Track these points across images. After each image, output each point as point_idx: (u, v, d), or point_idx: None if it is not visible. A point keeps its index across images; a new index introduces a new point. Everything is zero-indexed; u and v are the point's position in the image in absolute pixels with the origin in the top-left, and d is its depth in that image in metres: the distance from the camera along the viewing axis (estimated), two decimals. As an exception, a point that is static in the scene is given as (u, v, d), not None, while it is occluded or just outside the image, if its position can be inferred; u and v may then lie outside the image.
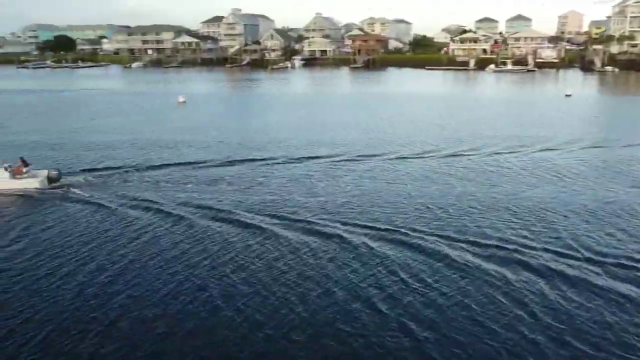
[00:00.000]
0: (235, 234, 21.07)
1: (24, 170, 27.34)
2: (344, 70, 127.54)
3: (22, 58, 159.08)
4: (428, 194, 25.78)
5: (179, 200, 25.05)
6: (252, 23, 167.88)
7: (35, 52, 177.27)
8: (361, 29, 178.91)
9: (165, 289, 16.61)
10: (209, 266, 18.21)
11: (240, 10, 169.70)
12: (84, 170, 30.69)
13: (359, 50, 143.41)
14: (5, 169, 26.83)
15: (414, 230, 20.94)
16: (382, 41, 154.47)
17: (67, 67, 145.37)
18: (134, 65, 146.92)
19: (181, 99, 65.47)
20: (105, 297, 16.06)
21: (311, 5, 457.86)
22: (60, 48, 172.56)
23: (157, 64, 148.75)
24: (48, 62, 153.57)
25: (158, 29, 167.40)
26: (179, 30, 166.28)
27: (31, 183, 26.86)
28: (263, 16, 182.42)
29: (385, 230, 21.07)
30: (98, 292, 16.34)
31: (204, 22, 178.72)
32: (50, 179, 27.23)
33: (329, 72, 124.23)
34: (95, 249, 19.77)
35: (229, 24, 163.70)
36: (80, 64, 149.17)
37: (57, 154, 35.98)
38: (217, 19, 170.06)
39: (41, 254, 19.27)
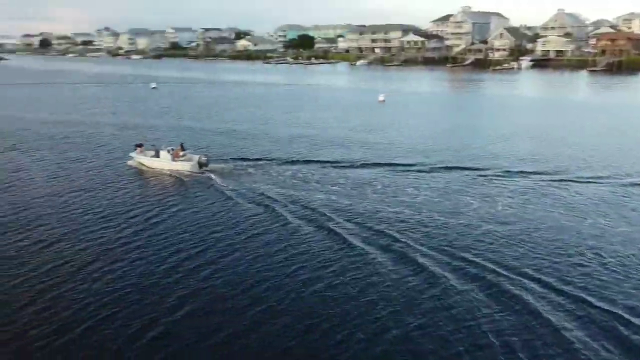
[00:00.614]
0: (359, 252, 18.75)
1: (181, 154, 30.77)
2: (580, 74, 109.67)
3: (268, 55, 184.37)
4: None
5: (316, 201, 24.11)
6: (483, 21, 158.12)
7: (281, 50, 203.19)
8: (614, 27, 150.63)
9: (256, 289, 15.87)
10: (312, 278, 16.81)
11: (470, 8, 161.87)
12: (236, 159, 33.00)
13: (603, 51, 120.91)
14: (168, 151, 30.63)
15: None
16: (636, 40, 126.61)
17: (302, 63, 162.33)
18: (359, 63, 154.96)
19: (381, 98, 65.38)
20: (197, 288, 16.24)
21: (556, 1, 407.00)
22: (301, 46, 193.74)
23: (380, 62, 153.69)
24: (288, 59, 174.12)
25: (388, 28, 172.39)
26: (407, 29, 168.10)
27: (184, 166, 30.12)
28: (497, 14, 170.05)
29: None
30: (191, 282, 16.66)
31: (433, 21, 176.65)
32: (200, 164, 30.00)
33: (559, 75, 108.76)
34: (210, 235, 20.42)
35: (457, 22, 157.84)
36: (314, 60, 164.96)
37: (237, 142, 39.37)
38: (448, 18, 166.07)
39: (166, 231, 21.00)
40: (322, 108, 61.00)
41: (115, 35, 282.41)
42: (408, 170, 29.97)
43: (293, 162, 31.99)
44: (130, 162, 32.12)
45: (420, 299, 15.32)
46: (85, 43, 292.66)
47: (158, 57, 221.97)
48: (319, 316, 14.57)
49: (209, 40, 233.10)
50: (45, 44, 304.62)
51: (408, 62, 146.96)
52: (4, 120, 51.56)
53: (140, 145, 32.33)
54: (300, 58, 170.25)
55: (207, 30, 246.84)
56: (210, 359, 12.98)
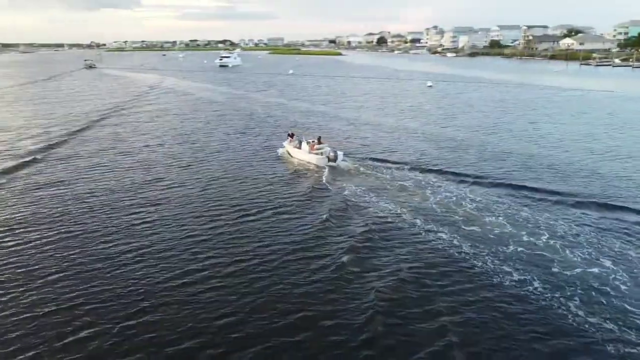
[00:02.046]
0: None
1: (317, 147, 31.55)
2: None
3: (593, 55, 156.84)
4: None
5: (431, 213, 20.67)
6: None
7: (614, 50, 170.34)
8: None
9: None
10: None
11: None
12: (380, 160, 31.56)
13: None
14: (307, 142, 31.98)
15: None
16: None
17: (630, 65, 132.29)
18: None
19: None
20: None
21: None
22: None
23: None
24: (615, 60, 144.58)
25: None
26: None
27: (314, 159, 30.93)
28: None
29: None
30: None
31: None
32: (329, 159, 30.39)
33: None
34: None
35: None
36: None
37: (422, 147, 36.28)
38: None
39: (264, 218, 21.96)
40: (601, 124, 46.26)
41: (441, 33, 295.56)
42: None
43: (464, 181, 26.99)
44: (280, 150, 34.53)
45: None
46: (413, 41, 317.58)
47: (472, 55, 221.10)
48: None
49: (530, 38, 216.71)
50: (381, 41, 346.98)
51: None
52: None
53: (291, 135, 34.32)
54: (630, 60, 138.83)
55: (530, 27, 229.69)
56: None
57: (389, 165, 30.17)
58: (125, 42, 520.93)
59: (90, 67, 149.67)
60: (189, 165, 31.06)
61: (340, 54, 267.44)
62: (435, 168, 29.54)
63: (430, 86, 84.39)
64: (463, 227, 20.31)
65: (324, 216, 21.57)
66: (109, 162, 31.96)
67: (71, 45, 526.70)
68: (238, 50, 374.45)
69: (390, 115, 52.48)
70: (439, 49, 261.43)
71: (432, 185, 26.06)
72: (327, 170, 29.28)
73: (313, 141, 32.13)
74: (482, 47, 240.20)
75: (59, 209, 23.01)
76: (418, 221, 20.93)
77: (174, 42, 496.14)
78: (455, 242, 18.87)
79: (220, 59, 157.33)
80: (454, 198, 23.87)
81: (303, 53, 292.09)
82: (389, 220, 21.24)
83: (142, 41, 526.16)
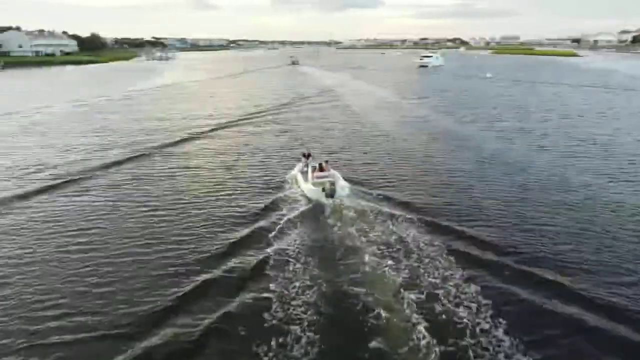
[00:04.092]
0: None
1: (316, 174, 24.00)
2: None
3: None
4: None
5: None
6: None
7: None
8: None
9: None
10: None
11: None
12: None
13: None
14: (314, 167, 24.73)
15: None
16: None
17: None
18: None
19: None
20: None
21: None
22: None
23: None
24: None
25: None
26: None
27: (307, 189, 23.36)
28: None
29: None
30: None
31: None
32: (325, 191, 21.87)
33: None
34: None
35: None
36: None
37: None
38: None
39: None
40: None
41: None
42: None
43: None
44: (290, 174, 26.77)
45: None
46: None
47: None
48: None
49: None
50: (637, 40, 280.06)
51: None
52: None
53: (306, 156, 26.10)
54: None
55: None
56: None
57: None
58: (359, 40, 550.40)
59: (294, 63, 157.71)
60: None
61: (574, 55, 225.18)
62: None
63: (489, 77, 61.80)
64: None
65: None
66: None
67: (310, 43, 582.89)
68: (462, 49, 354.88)
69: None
70: None
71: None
72: (323, 207, 21.23)
73: (318, 165, 24.50)
74: None
75: None
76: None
77: (404, 41, 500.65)
78: None
79: (421, 59, 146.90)
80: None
81: (532, 53, 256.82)
82: None
83: (374, 39, 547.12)
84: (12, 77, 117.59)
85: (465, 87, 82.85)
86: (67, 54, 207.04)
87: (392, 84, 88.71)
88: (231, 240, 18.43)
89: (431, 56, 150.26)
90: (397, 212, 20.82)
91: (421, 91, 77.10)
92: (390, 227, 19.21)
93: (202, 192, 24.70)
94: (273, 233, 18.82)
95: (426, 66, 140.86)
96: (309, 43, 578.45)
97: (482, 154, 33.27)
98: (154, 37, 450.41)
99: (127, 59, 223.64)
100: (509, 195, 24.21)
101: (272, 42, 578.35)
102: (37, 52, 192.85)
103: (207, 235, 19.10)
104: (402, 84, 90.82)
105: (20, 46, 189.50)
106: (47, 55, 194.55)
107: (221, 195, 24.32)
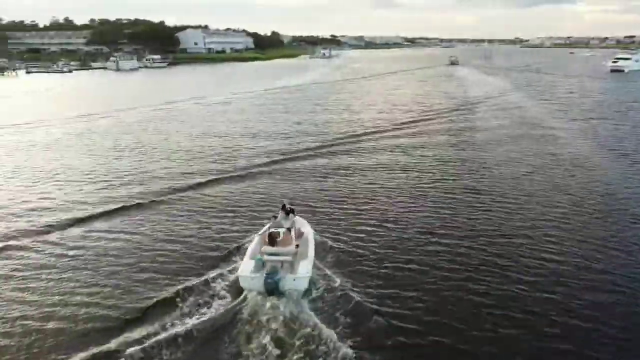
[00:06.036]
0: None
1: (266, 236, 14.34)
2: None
3: None
4: None
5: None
6: None
7: None
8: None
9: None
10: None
11: None
12: None
13: None
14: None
15: None
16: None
17: None
18: None
19: None
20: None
21: None
22: None
23: None
24: None
25: None
26: None
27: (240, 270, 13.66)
28: None
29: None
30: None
31: None
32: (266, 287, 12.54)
33: None
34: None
35: None
36: None
37: None
38: None
39: None
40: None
41: None
42: None
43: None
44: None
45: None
46: None
47: None
48: None
49: None
50: None
51: None
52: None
53: (287, 211, 16.46)
54: None
55: None
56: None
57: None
58: (550, 37, 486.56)
59: (453, 63, 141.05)
60: None
61: None
62: None
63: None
64: None
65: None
66: None
67: (491, 41, 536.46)
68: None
69: None
70: None
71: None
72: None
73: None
74: None
75: None
76: None
77: (604, 39, 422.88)
78: None
79: (614, 62, 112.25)
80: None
81: None
82: None
83: (568, 37, 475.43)
84: (164, 74, 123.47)
85: None
86: (237, 51, 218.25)
87: (563, 96, 64.90)
88: None
89: (629, 58, 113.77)
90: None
91: (601, 109, 52.87)
92: None
93: None
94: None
95: (622, 70, 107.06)
96: (490, 41, 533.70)
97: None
98: (332, 35, 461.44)
99: (293, 56, 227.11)
100: None
101: (450, 40, 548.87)
102: (209, 49, 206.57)
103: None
104: (575, 95, 66.06)
105: (196, 43, 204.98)
106: (218, 52, 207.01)
107: None
